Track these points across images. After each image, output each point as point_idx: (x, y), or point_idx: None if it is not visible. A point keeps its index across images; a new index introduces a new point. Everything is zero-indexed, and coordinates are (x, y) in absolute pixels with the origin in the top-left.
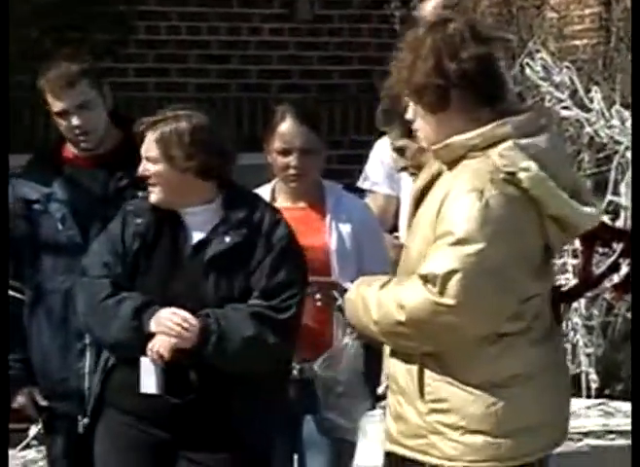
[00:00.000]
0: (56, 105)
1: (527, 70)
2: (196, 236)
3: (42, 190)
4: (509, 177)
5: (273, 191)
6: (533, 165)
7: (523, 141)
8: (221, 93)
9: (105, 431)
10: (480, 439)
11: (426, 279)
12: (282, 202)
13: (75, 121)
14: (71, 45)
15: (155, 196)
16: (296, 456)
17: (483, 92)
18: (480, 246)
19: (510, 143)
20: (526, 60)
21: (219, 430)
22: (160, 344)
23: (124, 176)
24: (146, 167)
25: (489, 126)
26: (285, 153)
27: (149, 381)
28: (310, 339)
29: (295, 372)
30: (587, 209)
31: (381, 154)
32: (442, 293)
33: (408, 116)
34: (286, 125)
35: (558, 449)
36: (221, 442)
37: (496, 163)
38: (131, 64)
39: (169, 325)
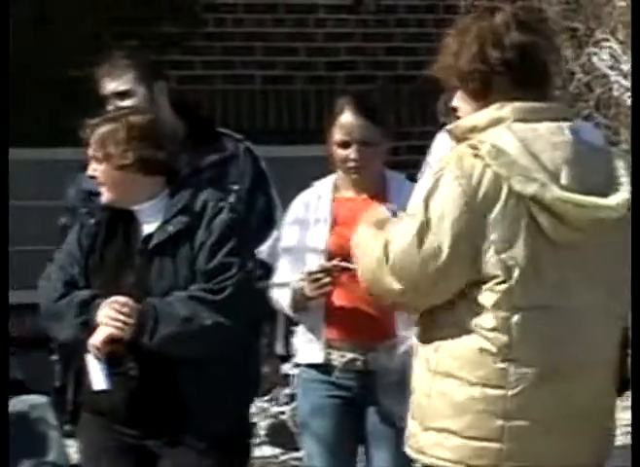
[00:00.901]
0: (102, 90)
1: (595, 59)
2: (147, 230)
3: None
4: (474, 151)
5: (336, 182)
6: (499, 142)
7: (516, 124)
8: (287, 86)
9: (84, 436)
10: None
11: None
12: (344, 194)
13: (112, 108)
14: (136, 38)
15: (104, 196)
16: (361, 448)
17: (521, 80)
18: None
19: (502, 125)
20: (594, 49)
21: (180, 421)
22: (95, 337)
23: (186, 167)
24: (92, 167)
25: (489, 108)
26: (344, 145)
27: (97, 378)
28: (374, 329)
29: (359, 363)
30: (589, 199)
31: (442, 145)
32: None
33: (454, 103)
34: (345, 118)
35: None
36: (186, 433)
37: (469, 141)
38: (198, 57)
39: (108, 313)
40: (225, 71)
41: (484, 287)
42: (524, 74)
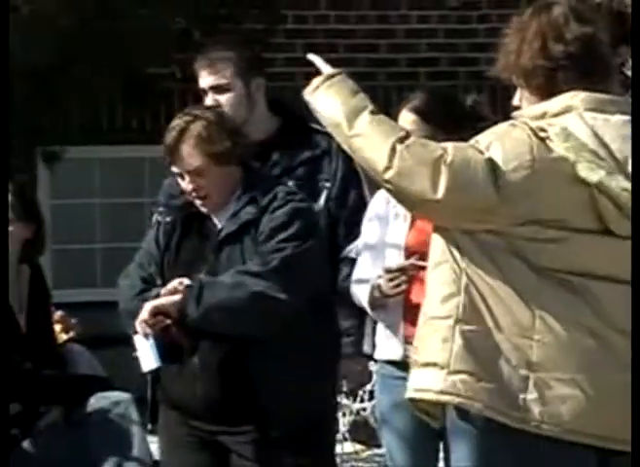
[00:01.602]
0: (200, 82)
1: None
2: (219, 225)
3: None
4: (541, 133)
5: None
6: (570, 126)
7: (587, 113)
8: (369, 82)
9: (163, 431)
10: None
11: None
12: None
13: (209, 101)
14: (221, 35)
15: (210, 205)
16: (441, 444)
17: (587, 73)
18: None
19: (573, 112)
20: None
21: (252, 413)
22: (142, 313)
23: (279, 163)
24: (193, 180)
25: (562, 96)
26: None
27: (146, 358)
28: None
29: None
30: (624, 182)
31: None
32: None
33: (515, 102)
34: (400, 115)
35: None
36: (258, 425)
37: (530, 124)
38: (280, 54)
39: (167, 287)
40: (307, 68)
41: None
42: (588, 67)
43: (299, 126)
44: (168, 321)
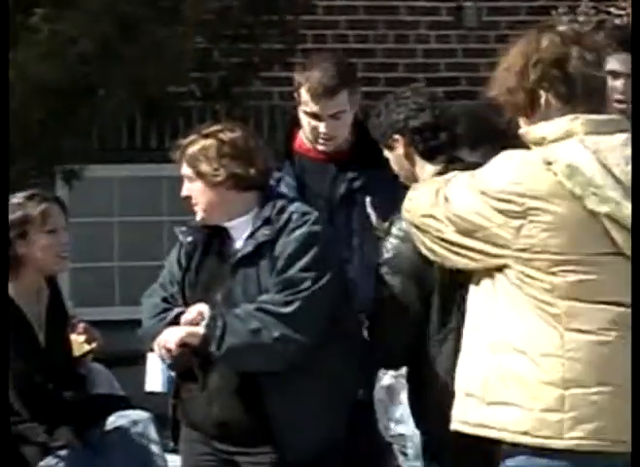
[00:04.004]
0: (311, 106)
1: None
2: (237, 245)
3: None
4: (547, 167)
5: None
6: (574, 159)
7: (588, 137)
8: None
9: (184, 449)
10: None
11: None
12: None
13: (323, 128)
14: (240, 55)
15: (198, 214)
16: None
17: (582, 96)
18: None
19: (574, 138)
20: None
21: (267, 437)
22: (168, 338)
23: (357, 178)
24: (185, 187)
25: (561, 119)
26: None
27: (154, 379)
28: None
29: None
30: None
31: None
32: None
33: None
34: None
35: None
36: (274, 449)
37: (542, 154)
38: None
39: (186, 317)
40: None
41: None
42: (581, 88)
43: (372, 145)
44: (188, 351)
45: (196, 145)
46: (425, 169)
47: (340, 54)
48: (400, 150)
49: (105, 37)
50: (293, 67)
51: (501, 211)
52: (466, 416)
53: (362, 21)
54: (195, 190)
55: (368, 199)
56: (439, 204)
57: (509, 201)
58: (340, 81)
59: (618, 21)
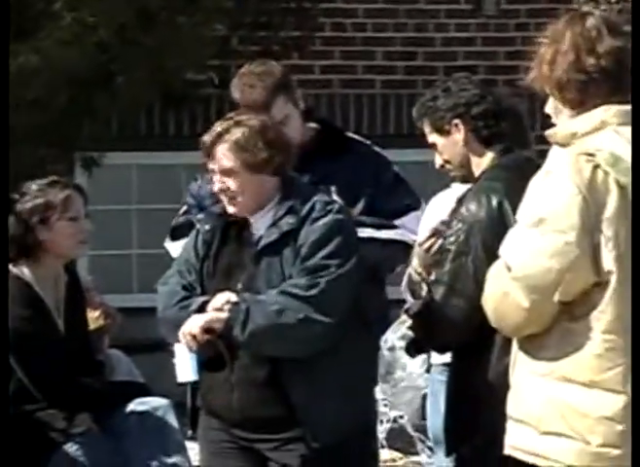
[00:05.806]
0: None
1: None
2: (258, 234)
3: None
4: (589, 158)
5: None
6: (616, 149)
7: (621, 128)
8: (407, 90)
9: (203, 436)
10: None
11: None
12: None
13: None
14: (259, 43)
15: (238, 207)
16: None
17: (619, 86)
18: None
19: (609, 128)
20: None
21: (289, 423)
22: (193, 324)
23: (321, 168)
24: (223, 180)
25: (594, 112)
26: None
27: (184, 369)
28: None
29: None
30: None
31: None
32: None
33: (547, 110)
34: None
35: None
36: (295, 436)
37: (581, 147)
38: (317, 61)
39: (213, 304)
40: (344, 75)
41: (601, 288)
42: (620, 80)
43: (336, 135)
44: (213, 337)
45: (237, 132)
46: (486, 155)
47: (266, 61)
48: (458, 135)
49: (124, 25)
50: (311, 55)
51: None
52: (519, 443)
53: (381, 10)
54: (236, 181)
55: (333, 189)
56: None
57: None
58: (271, 93)
59: None
